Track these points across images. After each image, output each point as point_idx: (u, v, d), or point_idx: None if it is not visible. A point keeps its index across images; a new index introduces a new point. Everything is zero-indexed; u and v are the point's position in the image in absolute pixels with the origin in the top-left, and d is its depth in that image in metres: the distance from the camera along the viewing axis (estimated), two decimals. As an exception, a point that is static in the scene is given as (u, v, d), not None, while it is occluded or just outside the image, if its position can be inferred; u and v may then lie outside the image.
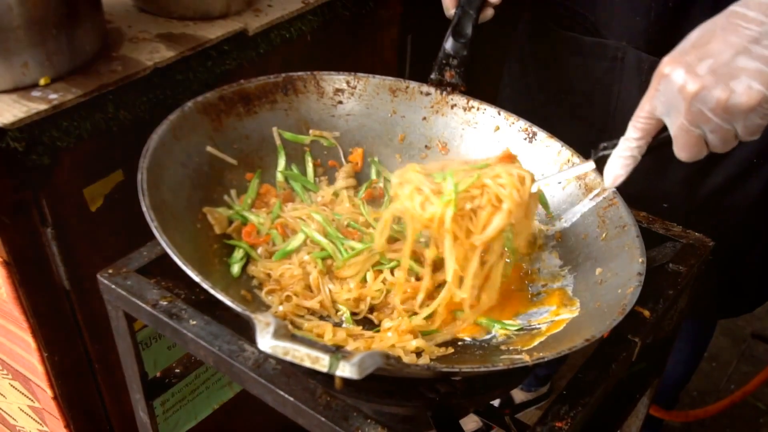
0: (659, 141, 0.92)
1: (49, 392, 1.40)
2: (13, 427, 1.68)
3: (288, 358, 0.70)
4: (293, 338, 0.72)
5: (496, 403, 2.24)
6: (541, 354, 0.86)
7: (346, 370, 0.69)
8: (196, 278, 0.83)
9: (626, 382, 1.25)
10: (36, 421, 1.55)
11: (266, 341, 0.71)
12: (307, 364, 0.70)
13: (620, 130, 1.49)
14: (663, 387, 2.02)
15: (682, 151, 0.87)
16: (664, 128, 0.90)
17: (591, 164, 1.01)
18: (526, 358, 0.85)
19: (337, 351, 0.71)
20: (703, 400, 2.52)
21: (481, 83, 1.42)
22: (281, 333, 0.71)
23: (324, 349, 0.70)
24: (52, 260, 1.25)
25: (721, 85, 0.80)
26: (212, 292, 0.83)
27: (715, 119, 0.81)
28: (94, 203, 1.27)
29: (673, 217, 1.23)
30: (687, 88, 0.81)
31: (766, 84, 0.79)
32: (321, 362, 0.70)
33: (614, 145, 0.96)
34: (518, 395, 2.25)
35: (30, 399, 1.49)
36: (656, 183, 1.45)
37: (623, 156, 0.94)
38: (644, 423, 2.10)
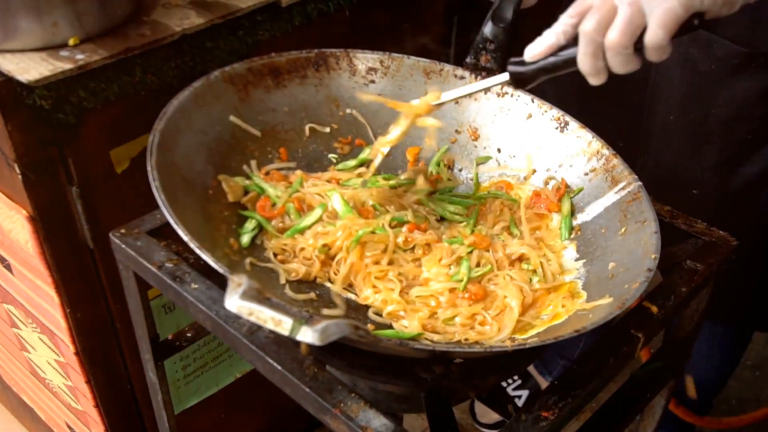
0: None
1: (72, 347, 1.44)
2: (42, 379, 1.73)
3: (252, 319, 0.70)
4: (264, 300, 0.71)
5: (522, 397, 2.21)
6: (522, 340, 0.84)
7: (307, 336, 0.69)
8: (185, 237, 0.83)
9: (641, 381, 1.22)
10: (61, 375, 1.59)
11: (233, 301, 0.70)
12: (270, 326, 0.69)
13: (657, 111, 1.45)
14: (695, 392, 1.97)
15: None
16: None
17: (505, 75, 1.01)
18: (507, 344, 0.83)
19: (306, 317, 0.70)
20: (741, 409, 2.44)
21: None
22: (250, 294, 0.71)
23: (290, 313, 0.70)
24: (77, 218, 1.28)
25: None
26: (192, 245, 0.83)
27: None
28: (120, 165, 1.29)
29: (702, 205, 1.19)
30: None
31: None
32: (283, 325, 0.69)
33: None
34: (547, 389, 2.22)
35: (56, 353, 1.53)
36: (687, 167, 1.42)
37: (549, 32, 0.95)
38: (672, 426, 2.05)
